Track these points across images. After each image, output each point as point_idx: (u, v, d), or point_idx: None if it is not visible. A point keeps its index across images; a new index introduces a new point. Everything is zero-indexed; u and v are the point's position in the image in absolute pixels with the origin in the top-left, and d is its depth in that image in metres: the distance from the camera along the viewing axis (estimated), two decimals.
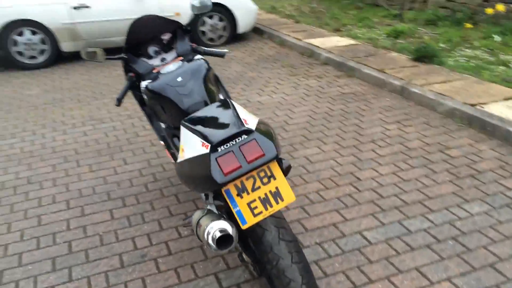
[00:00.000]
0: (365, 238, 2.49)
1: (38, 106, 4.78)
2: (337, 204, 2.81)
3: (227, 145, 1.53)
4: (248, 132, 1.55)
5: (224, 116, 1.70)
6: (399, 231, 2.54)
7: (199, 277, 2.25)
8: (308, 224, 2.63)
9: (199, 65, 2.33)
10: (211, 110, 1.81)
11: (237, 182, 1.58)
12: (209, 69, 2.35)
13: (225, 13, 6.92)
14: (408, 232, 2.52)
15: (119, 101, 2.46)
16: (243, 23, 7.10)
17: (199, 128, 1.69)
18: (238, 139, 1.54)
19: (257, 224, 1.71)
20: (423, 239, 2.46)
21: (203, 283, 2.20)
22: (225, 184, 1.51)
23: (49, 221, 2.77)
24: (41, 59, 6.23)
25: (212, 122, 1.69)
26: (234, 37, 7.14)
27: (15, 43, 6.03)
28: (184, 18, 6.63)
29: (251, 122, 1.64)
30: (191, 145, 1.68)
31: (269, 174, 1.60)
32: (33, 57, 6.19)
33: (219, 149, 1.52)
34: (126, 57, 2.46)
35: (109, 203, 2.92)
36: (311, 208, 2.78)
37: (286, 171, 1.70)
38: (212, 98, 2.24)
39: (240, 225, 1.59)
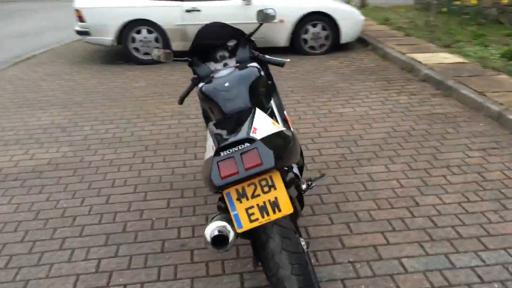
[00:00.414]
0: (402, 265, 2.39)
1: (139, 98, 5.27)
2: (384, 226, 2.71)
3: (229, 151, 1.61)
4: (252, 140, 1.61)
5: (240, 123, 1.78)
6: (442, 265, 2.38)
7: (225, 273, 2.34)
8: (347, 241, 2.59)
9: (249, 72, 2.42)
10: (235, 117, 1.90)
11: (239, 187, 1.65)
12: (259, 76, 2.43)
13: (329, 22, 6.93)
14: (451, 267, 2.36)
15: (181, 100, 2.66)
16: (347, 34, 7.04)
17: (217, 131, 1.79)
18: (241, 146, 1.60)
19: (263, 231, 1.75)
20: (466, 277, 2.28)
21: (227, 280, 2.30)
22: (222, 187, 1.59)
23: (115, 201, 3.08)
24: (148, 56, 6.84)
25: (228, 127, 1.78)
26: (336, 46, 7.11)
27: (133, 40, 6.69)
28: (288, 25, 6.78)
29: (262, 132, 1.69)
30: (209, 147, 1.79)
31: (270, 183, 1.64)
32: (147, 54, 6.80)
33: (222, 154, 1.61)
34: (190, 60, 2.65)
35: (169, 193, 3.16)
36: (356, 226, 2.72)
37: (289, 183, 1.72)
38: (256, 105, 2.32)
39: (236, 228, 1.66)
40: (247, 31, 2.79)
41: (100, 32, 6.62)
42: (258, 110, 1.92)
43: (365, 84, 5.49)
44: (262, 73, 2.48)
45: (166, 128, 4.34)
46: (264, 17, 2.71)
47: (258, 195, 1.64)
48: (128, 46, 6.72)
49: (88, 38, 6.74)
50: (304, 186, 2.33)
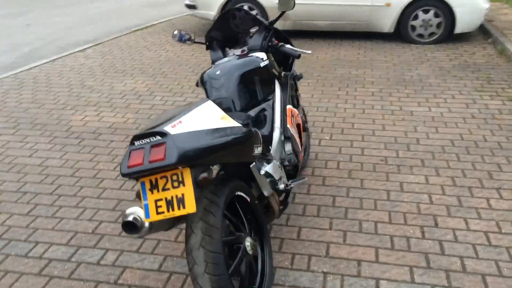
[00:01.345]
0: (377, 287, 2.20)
1: None
2: (383, 242, 2.50)
3: (143, 141, 1.63)
4: (164, 134, 1.60)
5: (172, 114, 1.78)
6: None
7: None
8: (333, 251, 2.45)
9: (245, 61, 2.38)
10: (185, 107, 1.89)
11: (153, 178, 1.67)
12: (258, 67, 2.37)
13: (444, 8, 6.28)
14: None
15: (197, 83, 2.73)
16: (464, 23, 6.32)
17: (158, 119, 1.81)
18: (153, 138, 1.61)
19: (189, 225, 1.77)
20: None
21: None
22: (126, 175, 1.62)
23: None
24: None
25: (165, 117, 1.79)
26: (450, 36, 6.44)
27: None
28: (395, 9, 6.33)
29: (186, 126, 1.66)
30: None
31: (180, 179, 1.63)
32: None
33: (136, 143, 1.64)
34: (206, 43, 2.69)
35: None
36: (352, 236, 2.56)
37: (201, 182, 1.69)
38: (244, 96, 2.28)
39: (144, 218, 1.69)
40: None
41: (206, 6, 6.91)
42: (208, 103, 1.88)
43: (459, 82, 4.93)
44: (263, 63, 2.42)
45: None
46: (285, 4, 2.61)
47: (168, 189, 1.64)
48: None
49: (195, 11, 7.09)
50: (281, 186, 2.26)
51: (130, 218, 1.70)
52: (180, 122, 1.67)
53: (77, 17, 9.05)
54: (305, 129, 3.20)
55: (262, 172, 2.17)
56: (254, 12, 6.70)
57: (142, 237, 1.74)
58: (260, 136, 2.05)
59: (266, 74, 2.47)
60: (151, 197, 1.66)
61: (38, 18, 8.99)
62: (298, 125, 2.70)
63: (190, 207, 1.62)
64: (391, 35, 6.69)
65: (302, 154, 2.63)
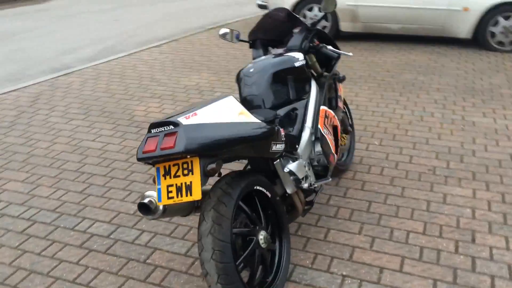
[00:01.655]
0: None
1: None
2: (411, 253, 2.43)
3: (158, 129, 1.74)
4: (176, 124, 1.70)
5: (193, 106, 1.88)
6: None
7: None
8: (357, 255, 2.43)
9: (280, 60, 2.43)
10: (209, 101, 1.98)
11: (166, 164, 1.78)
12: (292, 67, 2.42)
13: None
14: None
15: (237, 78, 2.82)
16: None
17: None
18: (167, 128, 1.72)
19: (202, 212, 1.86)
20: None
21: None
22: (140, 160, 1.74)
23: None
24: None
25: (186, 108, 1.89)
26: None
27: (304, 16, 6.89)
28: (474, 14, 6.02)
29: (201, 118, 1.75)
30: None
31: (189, 168, 1.72)
32: None
33: (153, 131, 1.75)
34: (250, 42, 2.78)
35: None
36: (380, 243, 2.52)
37: (209, 172, 1.76)
38: (275, 94, 2.33)
39: (157, 201, 1.81)
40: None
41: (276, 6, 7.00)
42: (229, 98, 1.96)
43: None
44: (298, 63, 2.46)
45: None
46: (327, 6, 2.63)
47: (179, 176, 1.74)
48: None
49: (265, 11, 7.22)
50: (305, 185, 2.29)
51: (146, 201, 1.83)
52: (195, 114, 1.77)
53: (159, 15, 9.56)
54: (348, 132, 3.18)
55: (286, 169, 2.21)
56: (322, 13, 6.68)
57: (156, 219, 1.86)
58: (282, 134, 2.10)
59: (301, 74, 2.50)
60: (164, 183, 1.77)
61: (126, 15, 9.61)
62: (334, 127, 2.71)
63: (196, 194, 1.70)
64: (468, 42, 6.36)
65: (335, 156, 2.62)
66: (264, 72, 2.36)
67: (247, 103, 2.33)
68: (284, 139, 2.12)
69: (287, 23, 2.73)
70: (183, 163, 1.75)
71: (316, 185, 2.39)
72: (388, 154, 3.50)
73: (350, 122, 3.38)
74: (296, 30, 2.75)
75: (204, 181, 1.73)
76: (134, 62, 6.14)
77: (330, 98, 2.78)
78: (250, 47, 2.81)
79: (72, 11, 10.11)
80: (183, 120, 1.71)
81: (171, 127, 1.70)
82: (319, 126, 2.47)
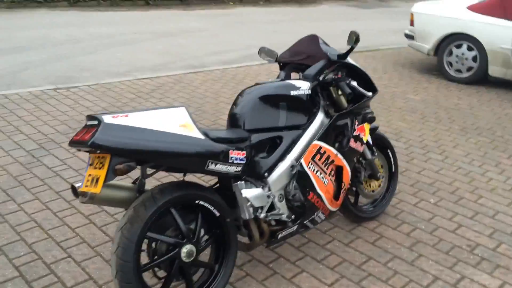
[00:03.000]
0: None
1: (390, 108, 5.20)
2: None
3: (89, 122, 1.88)
4: (99, 121, 1.83)
5: (142, 108, 2.00)
6: None
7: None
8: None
9: (275, 85, 2.39)
10: (163, 106, 2.07)
11: (93, 155, 1.92)
12: (285, 94, 2.35)
13: None
14: None
15: None
16: None
17: None
18: (93, 122, 1.86)
19: (128, 209, 2.00)
20: None
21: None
22: (70, 144, 1.91)
23: None
24: (465, 75, 6.25)
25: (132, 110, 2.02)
26: None
27: (450, 53, 6.31)
28: None
29: (128, 121, 1.85)
30: None
31: (103, 163, 1.85)
32: (458, 71, 6.30)
33: (87, 123, 1.92)
34: (280, 64, 2.78)
35: None
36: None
37: (116, 171, 1.83)
38: (259, 118, 2.29)
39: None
40: None
41: (422, 38, 6.56)
42: (179, 108, 2.02)
43: None
44: (296, 92, 2.38)
45: None
46: (350, 39, 2.49)
47: (94, 168, 1.89)
48: (442, 59, 6.40)
49: (411, 42, 6.81)
50: (261, 216, 2.24)
51: (77, 184, 2.01)
52: (126, 115, 1.90)
53: (322, 32, 9.67)
54: (378, 178, 2.92)
55: (243, 194, 2.19)
56: (473, 53, 6.04)
57: (88, 203, 2.02)
58: (235, 156, 2.09)
59: (297, 103, 2.40)
60: (88, 171, 1.94)
61: (286, 28, 10.07)
62: (339, 168, 2.53)
63: (97, 188, 1.83)
64: None
65: (323, 198, 2.45)
66: (254, 94, 2.35)
67: (229, 120, 2.36)
68: (237, 161, 2.11)
69: (316, 50, 2.65)
70: (100, 157, 1.89)
71: (270, 218, 2.29)
72: (434, 216, 3.09)
73: (393, 169, 3.09)
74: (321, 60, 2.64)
75: (110, 178, 1.84)
76: (262, 71, 6.46)
77: (340, 136, 2.60)
78: (280, 69, 2.80)
79: (246, 19, 10.99)
80: (107, 118, 1.85)
81: (95, 122, 1.86)
82: (302, 160, 2.36)
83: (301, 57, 2.74)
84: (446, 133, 4.55)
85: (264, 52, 2.85)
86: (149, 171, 2.09)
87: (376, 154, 2.93)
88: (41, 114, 4.45)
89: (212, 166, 2.03)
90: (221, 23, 10.13)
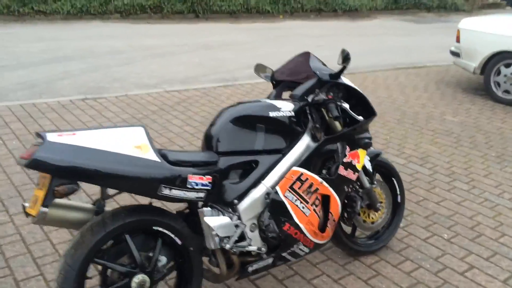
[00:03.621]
0: None
1: (425, 132, 4.85)
2: None
3: (36, 140, 1.80)
4: (43, 138, 1.74)
5: (101, 126, 1.90)
6: None
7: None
8: None
9: (252, 106, 2.23)
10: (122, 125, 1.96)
11: (39, 174, 1.83)
12: (261, 116, 2.18)
13: None
14: None
15: None
16: None
17: None
18: (38, 140, 1.77)
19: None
20: None
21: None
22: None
23: None
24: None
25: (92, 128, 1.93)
26: None
27: (498, 73, 5.83)
28: None
29: (74, 140, 1.75)
30: None
31: (45, 184, 1.75)
32: (506, 92, 5.80)
33: (34, 141, 1.82)
34: (273, 82, 2.61)
35: None
36: None
37: (54, 194, 1.72)
38: (232, 140, 2.13)
39: None
40: None
41: (468, 56, 6.11)
42: (137, 128, 1.91)
43: None
44: (274, 114, 2.20)
45: None
46: (341, 58, 2.30)
47: (39, 188, 1.80)
48: (489, 78, 5.93)
49: (456, 60, 6.37)
50: (227, 246, 2.07)
51: (27, 204, 1.92)
52: (74, 134, 1.80)
53: (366, 48, 9.41)
54: (377, 209, 2.66)
55: (206, 222, 2.03)
56: None
57: (39, 224, 1.94)
58: (195, 181, 1.94)
59: (276, 126, 2.22)
60: (35, 191, 1.86)
61: (331, 42, 9.81)
62: (324, 198, 2.31)
63: (34, 210, 1.74)
64: None
65: (304, 230, 2.23)
66: (230, 114, 2.19)
67: (203, 141, 2.22)
68: (198, 187, 1.96)
69: (308, 68, 2.46)
70: (43, 178, 1.79)
71: (238, 249, 2.10)
72: (443, 254, 2.77)
73: (399, 200, 2.82)
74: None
75: (49, 199, 1.74)
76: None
77: (328, 162, 2.38)
78: (274, 87, 2.63)
79: (292, 33, 10.85)
80: (51, 136, 1.75)
81: (40, 140, 1.77)
82: (277, 187, 2.16)
83: (294, 75, 2.56)
84: (479, 160, 4.15)
85: (259, 69, 2.70)
86: (111, 191, 2.00)
87: (376, 182, 2.67)
88: (62, 123, 4.52)
89: (166, 191, 1.89)
90: (265, 37, 10.06)
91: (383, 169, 2.78)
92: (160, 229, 1.97)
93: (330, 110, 2.28)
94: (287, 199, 2.18)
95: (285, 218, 2.19)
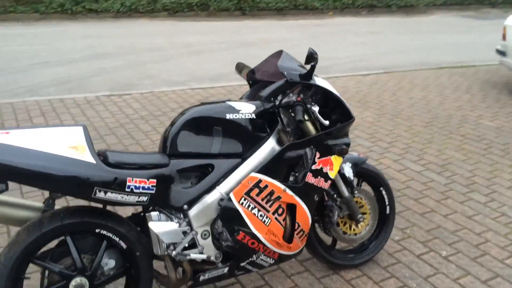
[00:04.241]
0: None
1: (458, 139, 4.50)
2: None
3: None
4: None
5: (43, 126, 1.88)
6: None
7: None
8: None
9: (205, 107, 2.11)
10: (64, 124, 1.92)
11: None
12: (219, 118, 2.06)
13: None
14: None
15: None
16: None
17: None
18: None
19: None
20: None
21: None
22: None
23: None
24: None
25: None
26: None
27: None
28: None
29: (2, 137, 1.73)
30: None
31: None
32: None
33: None
34: (249, 82, 2.49)
35: None
36: None
37: None
38: (186, 142, 2.03)
39: None
40: None
41: None
42: (77, 127, 1.86)
43: None
44: (232, 116, 2.08)
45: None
46: (308, 58, 2.15)
47: None
48: None
49: (502, 59, 5.86)
50: (173, 253, 1.99)
51: None
52: (7, 133, 1.78)
53: (413, 45, 8.92)
54: (358, 221, 2.46)
55: (150, 227, 1.95)
56: None
57: None
58: (134, 184, 1.86)
59: (236, 128, 2.09)
60: None
61: (377, 40, 9.41)
62: (289, 206, 2.16)
63: None
64: None
65: (262, 240, 2.08)
66: (187, 115, 2.09)
67: (160, 143, 2.13)
68: (139, 191, 1.88)
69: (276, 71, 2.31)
70: None
71: (186, 257, 2.00)
72: (435, 274, 2.52)
73: (388, 211, 2.60)
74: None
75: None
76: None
77: (295, 169, 2.21)
78: (250, 87, 2.51)
79: (339, 29, 10.54)
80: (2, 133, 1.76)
81: None
82: (231, 194, 2.04)
83: (270, 76, 2.41)
84: (507, 169, 3.77)
85: (240, 68, 2.58)
86: None
87: (357, 192, 2.48)
88: (81, 119, 4.64)
89: (101, 194, 1.83)
90: (309, 34, 9.85)
91: (371, 179, 2.58)
92: (104, 232, 1.92)
93: (295, 113, 2.13)
94: (242, 206, 2.06)
95: (239, 226, 2.06)
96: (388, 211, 2.61)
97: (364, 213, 2.52)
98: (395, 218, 2.67)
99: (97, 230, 1.92)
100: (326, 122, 2.18)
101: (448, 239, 2.83)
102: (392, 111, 5.14)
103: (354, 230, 2.51)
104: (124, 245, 1.96)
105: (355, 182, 2.53)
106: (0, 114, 4.69)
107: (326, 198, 2.43)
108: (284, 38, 9.21)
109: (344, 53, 8.11)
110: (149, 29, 9.73)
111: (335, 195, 2.42)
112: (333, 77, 6.45)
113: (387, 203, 2.60)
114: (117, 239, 1.95)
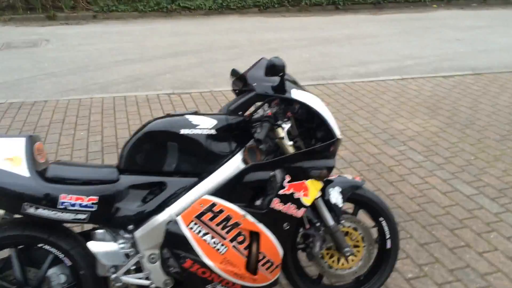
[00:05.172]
0: None
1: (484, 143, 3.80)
2: None
3: None
4: None
5: None
6: None
7: None
8: None
9: (160, 121, 1.96)
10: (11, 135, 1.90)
11: None
12: (170, 132, 1.90)
13: None
14: None
15: None
16: None
17: None
18: None
19: None
20: None
21: None
22: None
23: None
24: None
25: None
26: None
27: None
28: None
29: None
30: None
31: None
32: None
33: None
34: (236, 90, 2.29)
35: None
36: None
37: None
38: (135, 157, 1.91)
39: None
40: None
41: None
42: (21, 139, 1.81)
43: None
44: (187, 131, 1.91)
45: None
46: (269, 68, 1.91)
47: None
48: None
49: None
50: (112, 276, 1.91)
51: None
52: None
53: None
54: (344, 254, 2.15)
55: (89, 246, 1.87)
56: None
57: None
58: (66, 201, 1.79)
59: (193, 145, 1.91)
60: None
61: (477, 36, 8.40)
62: (252, 234, 1.94)
63: None
64: None
65: (219, 272, 1.89)
66: (147, 128, 1.95)
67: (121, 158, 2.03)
68: (74, 208, 1.81)
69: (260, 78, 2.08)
70: None
71: (118, 283, 1.88)
72: None
73: (389, 245, 2.25)
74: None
75: None
76: (389, 88, 5.56)
77: (260, 193, 1.97)
78: (236, 96, 2.30)
79: (438, 24, 9.61)
80: None
81: None
82: (179, 217, 1.87)
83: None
84: None
85: (235, 75, 2.39)
86: None
87: (344, 220, 2.16)
88: (135, 117, 4.78)
89: (31, 210, 1.78)
90: (402, 29, 9.15)
91: (369, 207, 2.23)
92: (47, 247, 1.89)
93: (260, 130, 1.89)
94: (192, 231, 1.89)
95: (185, 253, 1.91)
96: (389, 245, 2.24)
97: (356, 246, 2.20)
98: (397, 254, 2.29)
99: (39, 245, 1.89)
100: (290, 143, 1.92)
101: (473, 283, 2.37)
102: (465, 121, 4.51)
103: (343, 264, 2.20)
104: (68, 262, 1.92)
105: (350, 210, 2.22)
106: (65, 110, 5.02)
107: (307, 226, 2.16)
108: (373, 34, 8.66)
109: (432, 51, 7.37)
110: (235, 26, 9.79)
111: (317, 224, 2.13)
112: (409, 79, 5.89)
113: (387, 236, 2.23)
114: (61, 255, 1.91)
